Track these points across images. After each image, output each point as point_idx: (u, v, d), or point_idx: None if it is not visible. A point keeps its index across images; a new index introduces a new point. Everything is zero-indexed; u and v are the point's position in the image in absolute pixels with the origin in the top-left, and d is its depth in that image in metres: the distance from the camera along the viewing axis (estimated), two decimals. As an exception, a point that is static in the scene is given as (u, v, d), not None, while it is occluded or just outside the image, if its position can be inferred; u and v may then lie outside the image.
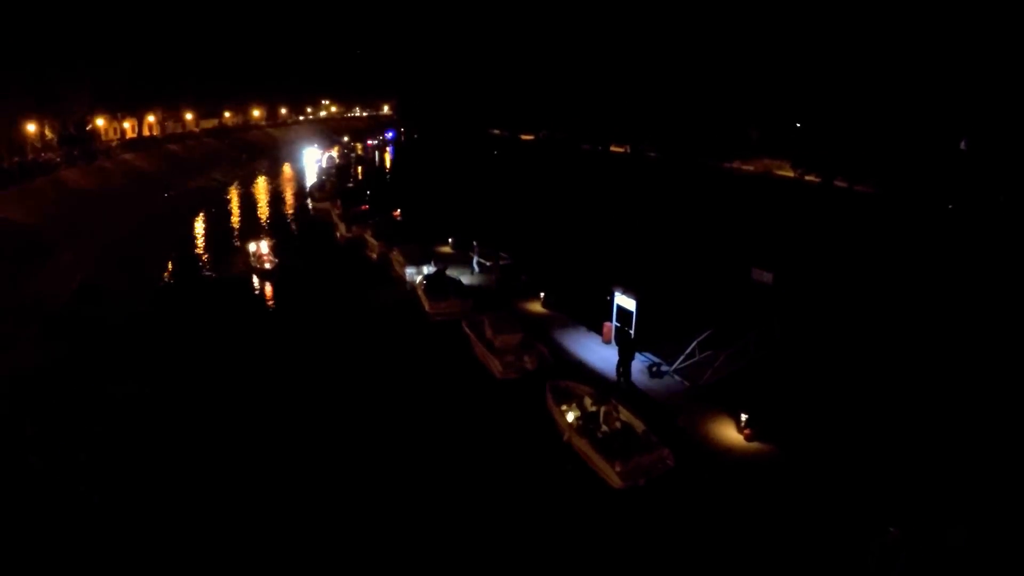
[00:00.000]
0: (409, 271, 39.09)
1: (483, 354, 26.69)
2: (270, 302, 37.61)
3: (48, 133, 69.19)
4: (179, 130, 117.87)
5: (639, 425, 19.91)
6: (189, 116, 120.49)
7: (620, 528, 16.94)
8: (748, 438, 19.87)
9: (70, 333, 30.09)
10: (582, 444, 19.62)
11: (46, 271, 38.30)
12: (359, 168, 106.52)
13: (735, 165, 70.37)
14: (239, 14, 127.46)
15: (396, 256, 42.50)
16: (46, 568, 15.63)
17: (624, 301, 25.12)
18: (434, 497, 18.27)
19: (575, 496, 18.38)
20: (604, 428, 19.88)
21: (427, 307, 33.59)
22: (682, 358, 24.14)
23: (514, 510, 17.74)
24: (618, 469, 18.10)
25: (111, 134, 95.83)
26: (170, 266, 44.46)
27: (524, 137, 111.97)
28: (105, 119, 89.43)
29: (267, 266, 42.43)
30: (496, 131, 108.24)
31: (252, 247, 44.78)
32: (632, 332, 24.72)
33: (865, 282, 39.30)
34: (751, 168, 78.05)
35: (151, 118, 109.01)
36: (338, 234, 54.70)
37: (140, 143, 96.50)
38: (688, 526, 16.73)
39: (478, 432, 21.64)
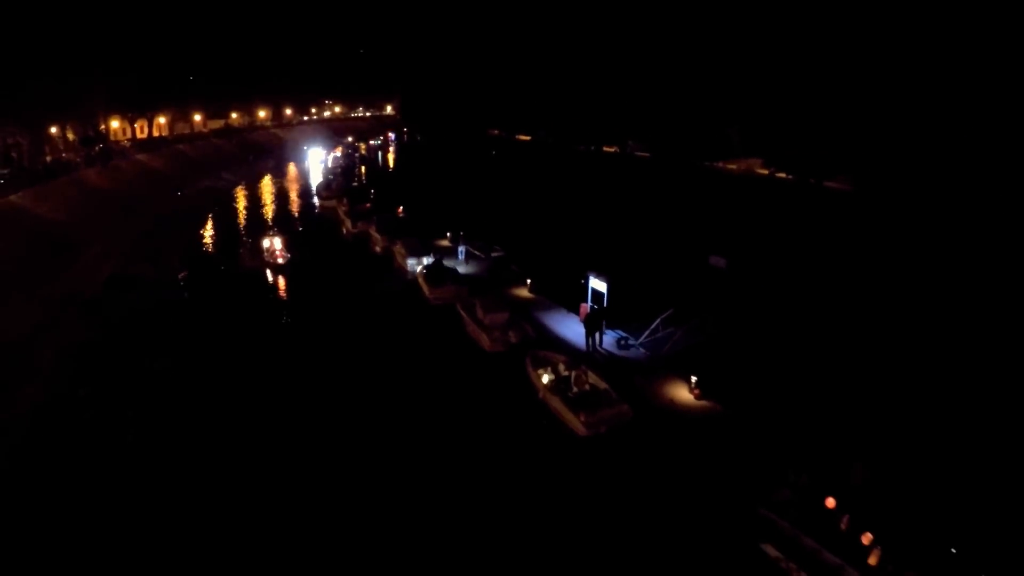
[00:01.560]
0: (410, 262, 42.64)
1: (474, 331, 30.30)
2: (283, 292, 41.10)
3: (70, 135, 72.76)
4: (187, 131, 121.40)
5: (604, 386, 23.45)
6: (198, 117, 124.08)
7: (584, 469, 20.50)
8: (697, 397, 23.40)
9: (105, 316, 33.72)
10: (554, 401, 23.21)
11: (78, 263, 41.94)
12: (363, 168, 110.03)
13: (720, 165, 73.80)
14: (245, 17, 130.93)
15: (399, 249, 46.01)
16: (100, 501, 19.18)
17: (597, 284, 28.64)
18: (430, 444, 21.86)
19: (548, 443, 21.96)
20: (574, 389, 23.41)
21: (427, 293, 37.19)
22: (647, 333, 27.68)
23: (497, 455, 21.31)
24: (582, 419, 21.67)
25: (122, 135, 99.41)
26: (190, 260, 48.00)
27: (521, 137, 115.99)
28: (119, 121, 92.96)
29: (280, 261, 45.78)
30: (496, 131, 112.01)
31: (266, 243, 48.05)
32: (600, 309, 28.23)
33: (809, 268, 43.15)
34: (734, 167, 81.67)
35: (162, 119, 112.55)
36: (344, 230, 58.26)
37: (151, 144, 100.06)
38: (642, 468, 20.26)
39: (469, 394, 25.25)
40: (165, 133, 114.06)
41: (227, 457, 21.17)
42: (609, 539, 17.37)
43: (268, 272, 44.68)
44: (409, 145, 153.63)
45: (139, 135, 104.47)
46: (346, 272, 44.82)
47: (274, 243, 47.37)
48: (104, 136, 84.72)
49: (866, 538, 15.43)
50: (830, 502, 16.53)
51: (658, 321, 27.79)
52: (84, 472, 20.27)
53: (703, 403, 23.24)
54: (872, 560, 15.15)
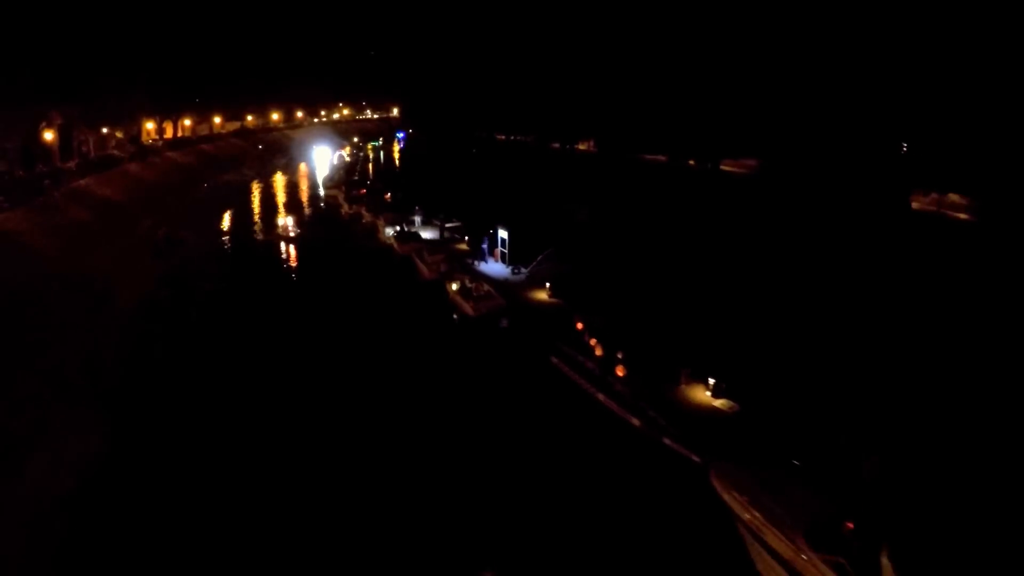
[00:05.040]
0: (387, 230, 56.65)
1: (420, 267, 44.43)
2: (294, 257, 55.00)
3: (118, 134, 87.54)
4: (207, 132, 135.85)
5: (488, 289, 37.37)
6: (217, 120, 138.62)
7: (472, 330, 34.47)
8: (549, 296, 37.26)
9: (165, 259, 48.00)
10: (458, 298, 37.19)
11: (139, 228, 56.26)
12: (368, 165, 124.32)
13: (647, 156, 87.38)
14: (261, 26, 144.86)
15: (380, 222, 60.00)
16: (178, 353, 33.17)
17: (503, 233, 42.65)
18: (391, 321, 35.96)
19: (451, 319, 36.00)
20: (473, 292, 37.28)
21: (396, 248, 51.30)
22: (532, 265, 41.58)
23: (425, 323, 35.39)
24: (471, 306, 35.64)
25: (153, 135, 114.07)
26: (222, 233, 62.19)
27: (499, 137, 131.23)
28: (153, 123, 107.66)
29: (291, 234, 59.70)
30: (482, 133, 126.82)
31: (281, 221, 62.10)
32: (506, 251, 42.26)
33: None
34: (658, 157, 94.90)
35: (187, 122, 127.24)
36: (342, 211, 72.47)
37: (178, 143, 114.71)
38: (502, 329, 34.16)
39: (415, 298, 39.53)
40: (188, 134, 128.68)
41: (246, 345, 34.88)
42: (468, 365, 31.34)
43: (282, 243, 58.60)
44: (409, 145, 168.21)
45: (166, 136, 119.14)
46: (341, 239, 59.03)
47: (287, 221, 61.25)
48: (138, 136, 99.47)
49: (620, 370, 28.60)
50: (593, 341, 30.06)
51: (540, 257, 41.69)
52: (166, 341, 34.05)
53: (553, 300, 37.07)
54: (619, 371, 28.34)
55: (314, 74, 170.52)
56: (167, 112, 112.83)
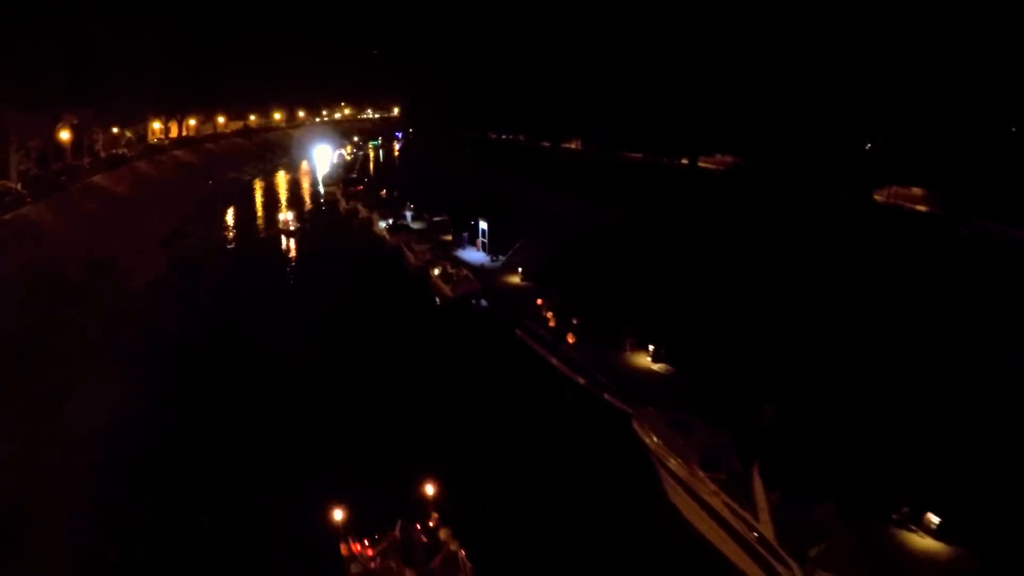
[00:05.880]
0: (381, 224, 60.63)
1: (408, 256, 48.39)
2: (295, 248, 58.96)
3: (128, 134, 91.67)
4: (210, 131, 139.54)
5: (466, 273, 41.32)
6: (221, 120, 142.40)
7: (452, 315, 38.41)
8: (522, 279, 41.22)
9: (175, 249, 52.03)
10: (439, 282, 41.16)
11: (149, 222, 60.27)
12: (367, 163, 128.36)
13: (628, 155, 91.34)
14: (262, 25, 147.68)
15: (375, 216, 63.99)
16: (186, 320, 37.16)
17: (483, 224, 46.68)
18: (380, 300, 39.91)
19: (432, 301, 39.97)
20: (453, 276, 41.22)
21: (388, 239, 55.28)
22: (510, 252, 45.53)
23: (409, 302, 39.33)
24: (450, 287, 39.60)
25: (159, 134, 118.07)
26: (227, 227, 66.23)
27: (492, 136, 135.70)
28: (160, 123, 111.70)
29: (292, 228, 63.62)
30: (476, 132, 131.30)
31: (282, 216, 65.96)
32: (485, 241, 46.23)
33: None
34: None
35: (192, 122, 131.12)
36: (340, 207, 76.46)
37: (183, 142, 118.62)
38: (478, 311, 38.07)
39: (402, 282, 43.51)
40: (192, 134, 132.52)
41: (248, 317, 38.98)
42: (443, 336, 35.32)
43: (283, 236, 62.51)
44: (408, 144, 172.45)
45: (171, 135, 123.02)
46: (339, 232, 63.08)
47: (288, 216, 65.19)
48: (145, 136, 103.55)
49: (570, 337, 32.51)
50: (549, 314, 34.02)
51: (517, 245, 45.64)
52: (177, 309, 38.20)
53: (525, 283, 41.02)
54: (569, 338, 32.40)
55: (316, 74, 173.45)
56: (172, 112, 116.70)
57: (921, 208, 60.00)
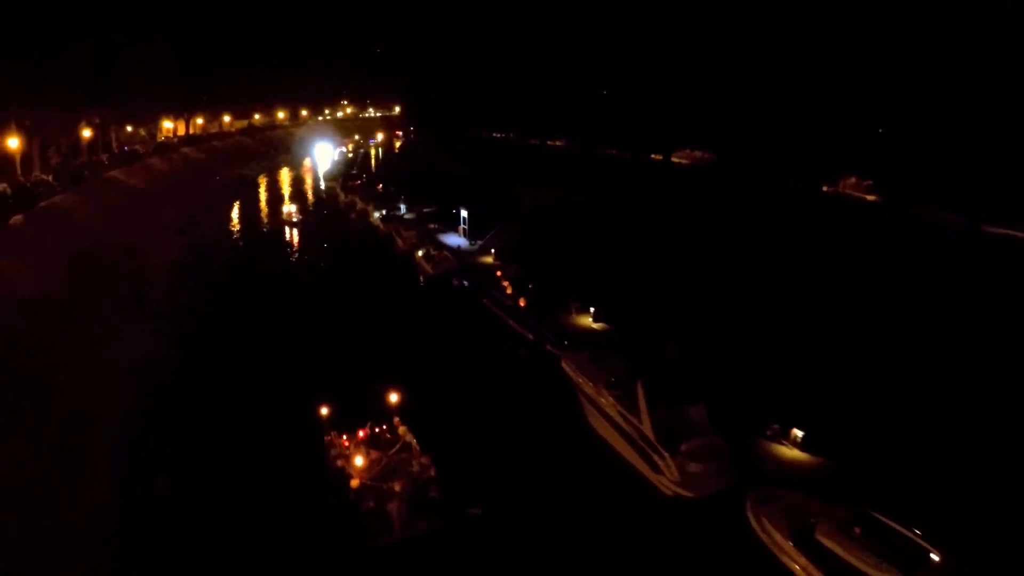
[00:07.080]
0: (376, 214, 66.52)
1: (398, 241, 54.31)
2: (297, 236, 64.80)
3: (142, 132, 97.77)
4: (216, 130, 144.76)
5: (447, 255, 47.17)
6: (227, 118, 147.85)
7: (432, 288, 44.22)
8: (494, 259, 47.02)
9: (188, 236, 57.97)
10: (422, 262, 47.05)
11: (164, 212, 66.21)
12: (368, 160, 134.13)
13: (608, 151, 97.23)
14: (264, 25, 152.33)
15: (371, 207, 69.88)
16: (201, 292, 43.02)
17: (464, 212, 52.60)
18: (371, 274, 45.73)
19: (414, 279, 45.82)
20: (435, 257, 47.04)
21: (381, 227, 61.25)
22: (487, 237, 51.40)
23: (395, 278, 45.19)
24: (431, 267, 45.52)
25: (168, 133, 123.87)
26: (234, 218, 72.16)
27: (486, 134, 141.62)
28: (171, 121, 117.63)
29: (295, 220, 69.50)
30: (471, 131, 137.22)
31: (286, 209, 72.02)
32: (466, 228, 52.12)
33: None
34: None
35: (199, 120, 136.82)
36: (339, 200, 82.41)
37: (191, 140, 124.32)
38: (451, 284, 43.88)
39: (391, 264, 49.40)
40: (199, 132, 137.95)
41: (256, 289, 44.89)
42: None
43: (287, 228, 68.29)
44: (408, 142, 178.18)
45: (179, 133, 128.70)
46: (337, 222, 69.08)
47: (291, 209, 71.13)
48: (156, 134, 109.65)
49: (522, 301, 38.21)
50: (506, 283, 39.82)
51: (493, 231, 51.56)
52: (193, 283, 44.04)
53: (497, 263, 46.81)
54: (521, 302, 38.08)
55: (318, 73, 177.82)
56: (181, 111, 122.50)
57: (870, 198, 65.42)
